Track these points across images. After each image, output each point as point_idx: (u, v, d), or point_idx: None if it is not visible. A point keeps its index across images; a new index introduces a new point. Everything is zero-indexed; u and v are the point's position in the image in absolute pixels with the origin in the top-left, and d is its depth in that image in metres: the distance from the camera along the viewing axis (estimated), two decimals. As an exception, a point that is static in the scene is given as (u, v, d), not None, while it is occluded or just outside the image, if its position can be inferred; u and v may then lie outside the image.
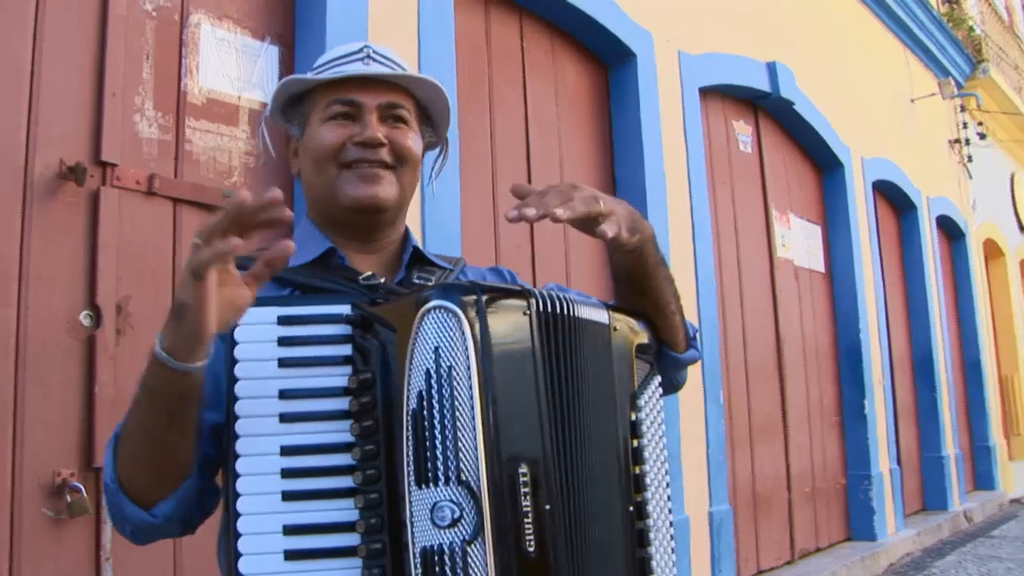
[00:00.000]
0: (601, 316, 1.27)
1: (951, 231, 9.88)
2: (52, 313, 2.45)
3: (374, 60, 1.40)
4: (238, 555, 1.08)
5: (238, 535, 1.09)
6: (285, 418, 1.13)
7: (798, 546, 6.02)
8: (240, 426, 1.12)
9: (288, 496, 1.11)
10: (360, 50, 1.41)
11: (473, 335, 1.09)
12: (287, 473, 1.11)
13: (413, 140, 1.41)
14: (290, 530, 1.10)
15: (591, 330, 1.24)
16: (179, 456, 1.17)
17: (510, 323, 1.14)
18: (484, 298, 1.12)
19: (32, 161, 2.46)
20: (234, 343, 1.14)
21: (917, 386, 8.55)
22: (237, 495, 1.10)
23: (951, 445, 8.65)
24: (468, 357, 1.08)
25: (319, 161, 1.38)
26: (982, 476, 9.82)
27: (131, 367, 2.57)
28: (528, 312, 1.16)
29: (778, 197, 6.44)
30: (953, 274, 9.97)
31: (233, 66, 3.01)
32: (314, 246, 1.38)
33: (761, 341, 6.00)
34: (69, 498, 2.39)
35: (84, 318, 2.51)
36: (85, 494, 2.41)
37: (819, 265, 6.97)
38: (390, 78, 1.41)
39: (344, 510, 1.11)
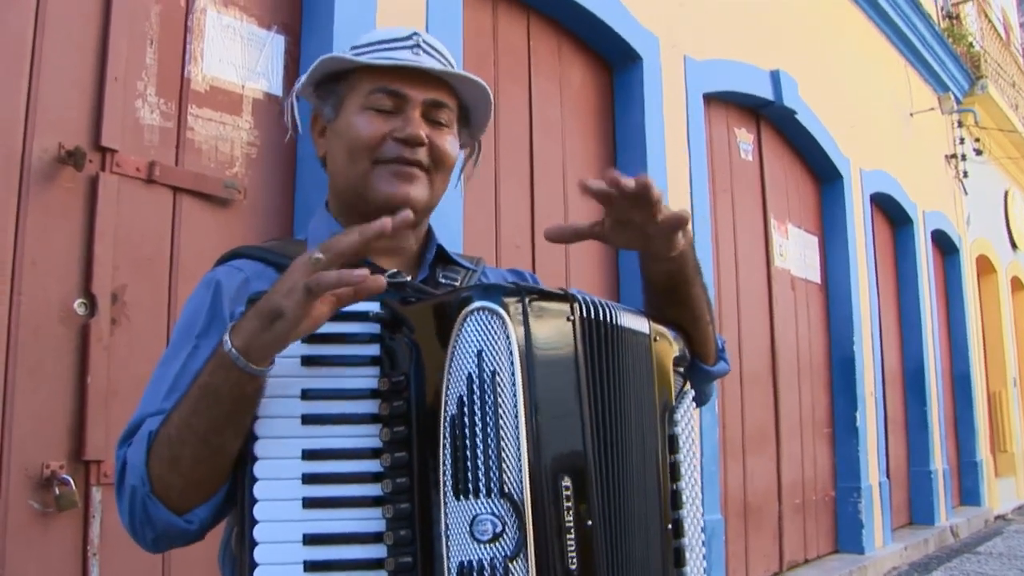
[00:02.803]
0: (642, 325, 1.22)
1: (945, 246, 9.89)
2: (46, 300, 2.39)
3: (424, 51, 1.32)
4: (254, 565, 1.02)
5: (254, 544, 1.02)
6: (308, 420, 1.06)
7: (787, 558, 5.99)
8: (259, 427, 1.06)
9: (309, 503, 1.04)
10: (409, 37, 1.32)
11: (518, 339, 1.03)
12: (308, 479, 1.05)
13: (451, 144, 1.35)
14: (311, 540, 1.03)
15: (632, 340, 1.19)
16: (226, 460, 1.10)
17: (554, 328, 1.08)
18: (528, 301, 1.06)
19: (30, 144, 2.39)
20: None
21: (908, 399, 8.54)
22: (254, 500, 1.03)
23: (939, 460, 8.64)
24: (513, 362, 1.02)
25: (353, 152, 1.30)
26: (969, 492, 9.82)
27: (125, 358, 2.51)
28: (572, 318, 1.10)
29: (777, 206, 6.41)
30: (946, 289, 9.97)
31: (238, 54, 2.95)
32: None
33: (756, 350, 5.97)
34: (58, 491, 2.33)
35: (78, 306, 2.45)
36: (74, 487, 2.34)
37: (815, 276, 6.94)
38: (442, 75, 1.32)
39: (370, 520, 1.05)
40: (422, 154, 1.30)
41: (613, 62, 4.84)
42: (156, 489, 1.10)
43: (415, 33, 1.33)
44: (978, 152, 10.38)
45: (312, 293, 0.99)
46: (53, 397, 2.38)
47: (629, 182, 1.14)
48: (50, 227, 2.41)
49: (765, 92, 6.04)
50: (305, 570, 1.02)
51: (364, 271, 1.00)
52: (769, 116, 6.34)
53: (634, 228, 1.21)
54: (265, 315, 1.02)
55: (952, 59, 9.64)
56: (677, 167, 4.93)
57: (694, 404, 1.30)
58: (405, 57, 1.30)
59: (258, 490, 1.04)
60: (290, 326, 1.01)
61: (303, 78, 1.38)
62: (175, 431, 1.09)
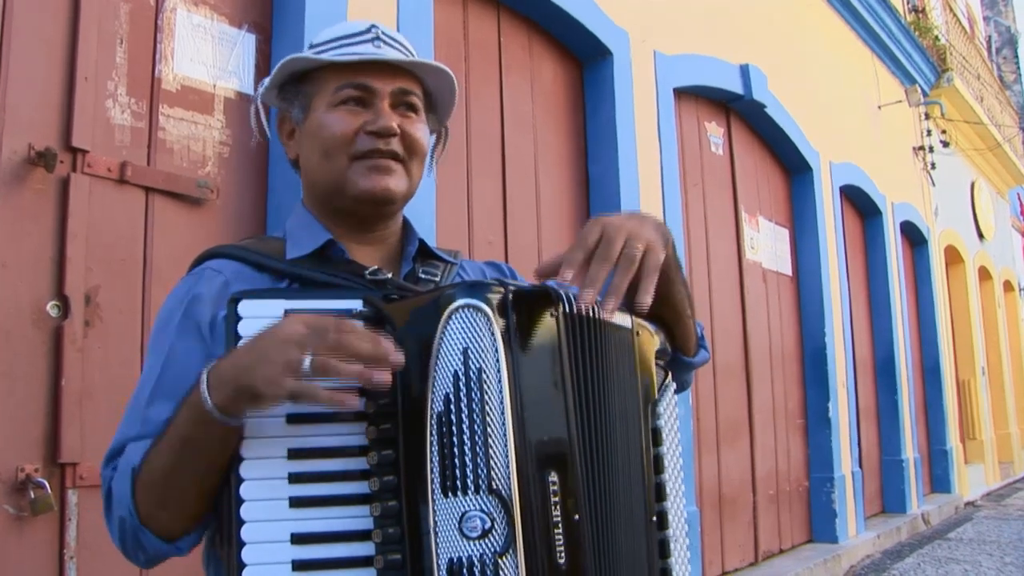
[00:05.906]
0: (625, 320, 1.22)
1: (914, 237, 10.00)
2: (18, 303, 2.37)
3: (384, 43, 1.32)
4: (242, 566, 1.02)
5: (242, 544, 1.02)
6: (293, 419, 1.06)
7: (762, 548, 6.05)
8: (244, 427, 1.05)
9: (296, 503, 1.04)
10: (368, 30, 1.32)
11: (503, 336, 1.03)
12: (295, 478, 1.04)
13: (422, 131, 1.35)
14: (298, 539, 1.03)
15: (616, 335, 1.19)
16: (211, 494, 1.12)
17: (538, 325, 1.08)
18: (512, 298, 1.05)
19: (-1, 145, 2.37)
20: (237, 338, 1.08)
21: (879, 389, 8.63)
22: (241, 501, 1.03)
23: (910, 448, 8.74)
24: (499, 359, 1.02)
25: (328, 150, 1.29)
26: (939, 479, 9.95)
27: (99, 360, 2.50)
28: (556, 313, 1.10)
29: (748, 199, 6.45)
30: (915, 279, 10.09)
31: (209, 53, 2.93)
32: (312, 237, 1.31)
33: (729, 343, 6.01)
34: (33, 495, 2.31)
35: (51, 309, 2.43)
36: (49, 491, 2.32)
37: (786, 268, 7.00)
38: (404, 64, 1.33)
39: (358, 518, 1.05)
40: (396, 144, 1.30)
41: (584, 57, 4.85)
42: (145, 522, 1.12)
43: (373, 26, 1.33)
44: (945, 144, 10.51)
45: (295, 396, 1.01)
46: (27, 400, 2.35)
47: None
48: (21, 229, 2.38)
49: (735, 86, 6.07)
50: (293, 569, 1.02)
51: (338, 396, 1.01)
52: (739, 110, 6.38)
53: None
54: (243, 390, 1.02)
55: (919, 52, 9.74)
56: (648, 162, 4.96)
57: (676, 397, 1.31)
58: (367, 51, 1.30)
59: (244, 490, 1.04)
60: (266, 405, 1.03)
61: (266, 82, 1.37)
62: (160, 478, 1.11)
